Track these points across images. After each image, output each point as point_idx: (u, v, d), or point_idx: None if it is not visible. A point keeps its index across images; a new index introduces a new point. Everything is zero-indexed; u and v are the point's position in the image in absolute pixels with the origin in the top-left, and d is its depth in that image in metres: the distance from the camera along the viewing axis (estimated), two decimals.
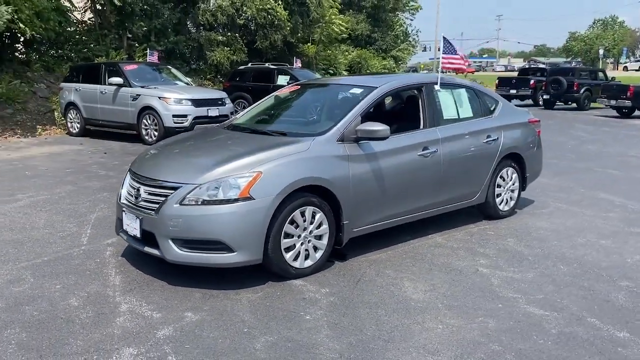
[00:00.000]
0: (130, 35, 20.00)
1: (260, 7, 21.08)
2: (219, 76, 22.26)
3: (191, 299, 3.90)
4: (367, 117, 5.26)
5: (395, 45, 39.06)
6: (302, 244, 4.30)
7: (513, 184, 6.21)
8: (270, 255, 4.11)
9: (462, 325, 3.53)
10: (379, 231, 5.15)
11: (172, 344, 3.24)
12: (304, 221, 4.27)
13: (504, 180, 6.08)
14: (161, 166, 4.44)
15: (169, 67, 14.71)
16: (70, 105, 13.79)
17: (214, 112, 12.36)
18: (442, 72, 5.67)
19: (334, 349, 3.20)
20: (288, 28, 22.09)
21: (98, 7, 19.31)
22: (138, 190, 4.32)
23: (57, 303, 3.80)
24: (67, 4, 18.14)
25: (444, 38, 5.80)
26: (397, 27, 39.88)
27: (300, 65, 19.03)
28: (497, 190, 6.02)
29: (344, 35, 31.10)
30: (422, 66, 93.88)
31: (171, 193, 4.06)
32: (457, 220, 6.01)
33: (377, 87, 5.08)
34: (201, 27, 21.71)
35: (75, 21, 19.01)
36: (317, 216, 4.35)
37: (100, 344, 3.22)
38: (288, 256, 4.22)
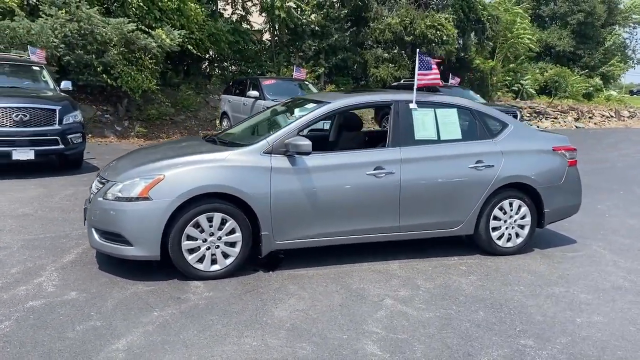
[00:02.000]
0: (301, 54, 21.63)
1: (430, 23, 20.97)
2: None
3: (94, 282, 4.42)
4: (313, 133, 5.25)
5: (605, 62, 34.99)
6: (207, 248, 4.52)
7: (521, 219, 5.46)
8: (170, 254, 4.43)
9: (274, 347, 3.42)
10: (338, 247, 5.11)
11: (24, 313, 3.79)
12: (210, 226, 4.49)
13: (505, 213, 5.40)
14: (113, 164, 5.08)
15: (307, 82, 15.64)
16: (224, 114, 15.60)
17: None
18: (418, 89, 5.30)
19: (111, 343, 3.42)
20: (455, 47, 21.54)
21: (275, 27, 21.31)
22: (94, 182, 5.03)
23: (2, 268, 4.65)
24: (246, 26, 20.49)
25: (419, 54, 5.38)
26: (609, 41, 35.60)
27: (456, 82, 18.43)
28: (495, 223, 5.37)
29: (532, 52, 29.07)
30: None
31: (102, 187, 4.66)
32: (446, 250, 5.52)
33: (328, 104, 5.03)
34: (372, 45, 22.41)
35: (255, 41, 21.22)
36: (228, 223, 4.53)
37: None
38: (190, 258, 4.48)
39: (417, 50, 5.59)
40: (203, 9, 16.32)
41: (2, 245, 5.29)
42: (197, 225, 4.46)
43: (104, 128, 16.12)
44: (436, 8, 22.29)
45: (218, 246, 4.55)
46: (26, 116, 8.82)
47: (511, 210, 5.42)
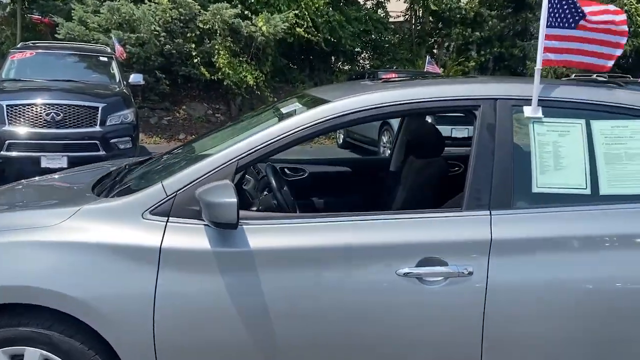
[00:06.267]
0: (447, 44, 18.43)
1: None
2: None
3: None
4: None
5: None
6: None
7: None
8: None
9: None
10: None
11: None
12: None
13: None
14: None
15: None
16: None
17: (460, 132, 9.72)
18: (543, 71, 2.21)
19: None
20: None
21: (417, 14, 18.36)
22: None
23: None
24: (382, 13, 17.83)
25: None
26: None
27: None
28: None
29: None
30: None
31: None
32: None
33: (327, 103, 2.22)
34: (535, 35, 18.42)
35: (392, 30, 18.46)
36: None
37: None
38: None
39: None
40: None
41: None
42: None
43: (211, 128, 14.62)
44: None
45: None
46: (59, 115, 7.21)
47: None
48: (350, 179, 3.54)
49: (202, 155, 2.23)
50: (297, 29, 13.10)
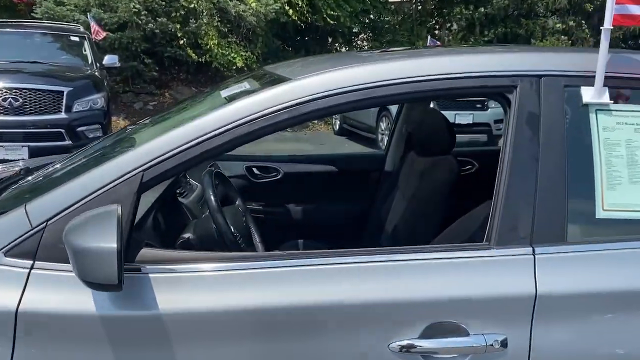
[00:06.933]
0: (449, 24, 17.57)
1: None
2: None
3: None
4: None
5: None
6: None
7: None
8: None
9: None
10: None
11: None
12: None
13: None
14: None
15: None
16: None
17: (463, 118, 8.97)
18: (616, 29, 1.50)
19: None
20: None
21: None
22: None
23: None
24: None
25: None
26: None
27: None
28: None
29: None
30: None
31: None
32: None
33: (285, 83, 1.48)
34: (541, 14, 17.56)
35: (392, 10, 17.61)
36: None
37: None
38: None
39: None
40: None
41: None
42: None
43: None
44: None
45: None
46: (17, 100, 6.49)
47: None
48: (336, 182, 2.80)
49: (98, 162, 1.49)
50: (286, 7, 12.23)
